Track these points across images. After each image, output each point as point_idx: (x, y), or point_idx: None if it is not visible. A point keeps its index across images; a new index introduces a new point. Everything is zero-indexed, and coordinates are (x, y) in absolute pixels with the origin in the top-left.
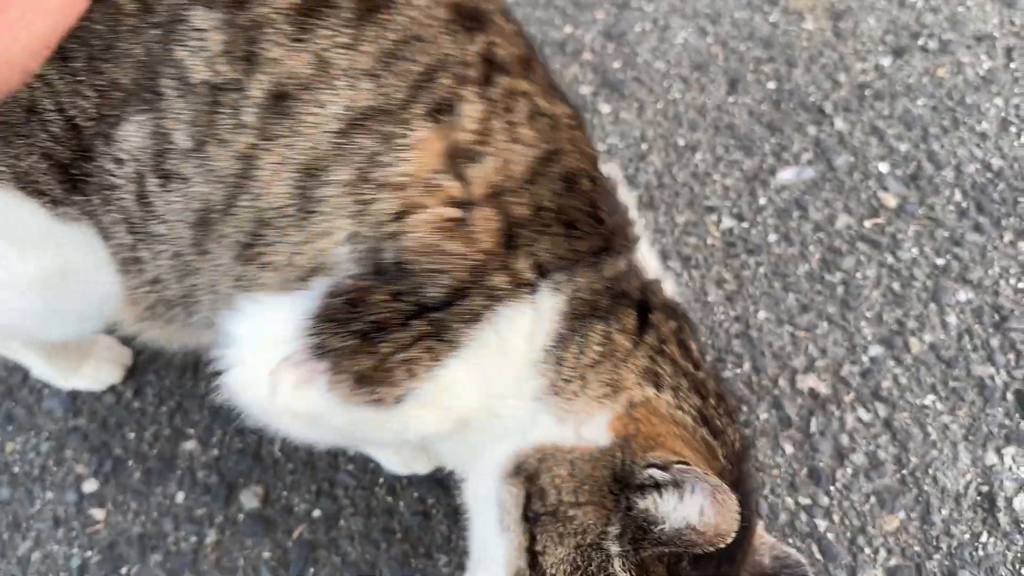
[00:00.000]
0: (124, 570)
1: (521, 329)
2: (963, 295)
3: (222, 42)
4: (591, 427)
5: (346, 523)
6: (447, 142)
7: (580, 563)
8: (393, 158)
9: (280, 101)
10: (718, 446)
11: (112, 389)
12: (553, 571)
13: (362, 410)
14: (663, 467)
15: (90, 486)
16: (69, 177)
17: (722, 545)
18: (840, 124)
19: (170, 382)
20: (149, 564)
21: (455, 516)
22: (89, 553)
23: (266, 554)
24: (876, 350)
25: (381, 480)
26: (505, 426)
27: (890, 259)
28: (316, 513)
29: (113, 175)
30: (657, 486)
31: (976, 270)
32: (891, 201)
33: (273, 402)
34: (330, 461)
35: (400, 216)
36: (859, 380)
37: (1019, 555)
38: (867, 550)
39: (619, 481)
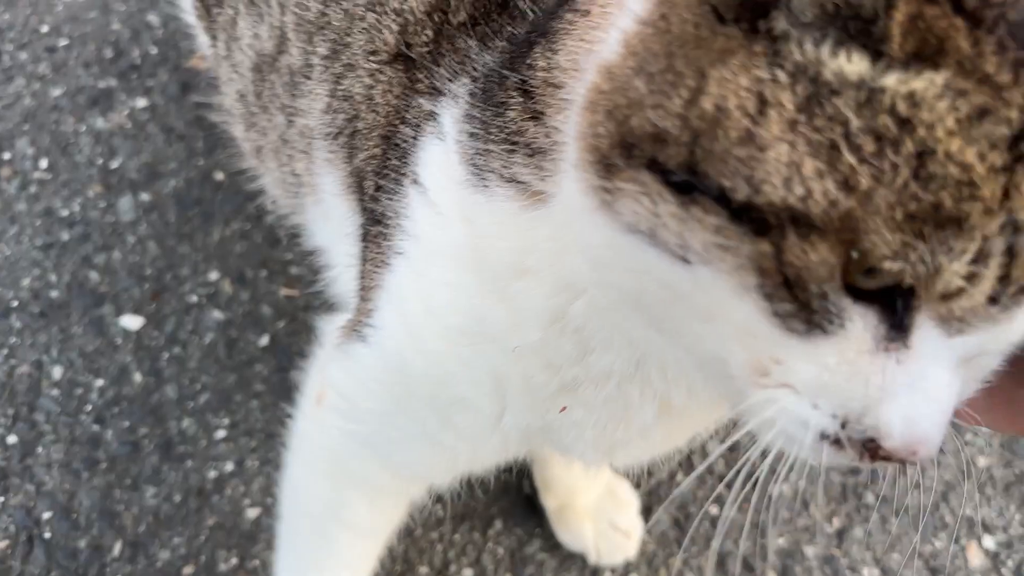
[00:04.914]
0: None
1: None
2: None
3: None
4: None
5: (45, 451)
6: None
7: None
8: None
9: None
10: None
11: None
12: None
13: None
14: None
15: None
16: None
17: None
18: None
19: None
20: None
21: (167, 448)
22: None
23: None
24: None
25: (88, 407)
26: None
27: None
28: (11, 439)
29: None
30: None
31: None
32: None
33: None
34: (31, 385)
35: None
36: None
37: None
38: None
39: None
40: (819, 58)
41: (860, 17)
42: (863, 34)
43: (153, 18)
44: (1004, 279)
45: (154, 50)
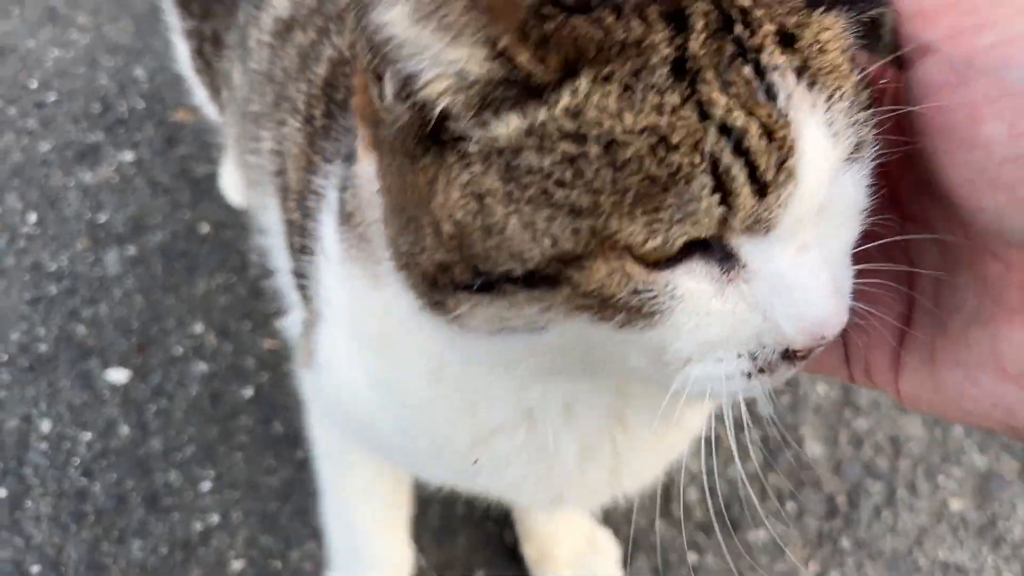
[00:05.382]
0: None
1: None
2: None
3: None
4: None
5: (34, 504)
6: None
7: None
8: None
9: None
10: None
11: None
12: None
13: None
14: None
15: None
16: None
17: None
18: None
19: None
20: None
21: (153, 501)
22: None
23: None
24: None
25: (76, 460)
26: None
27: None
28: (0, 493)
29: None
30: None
31: None
32: None
33: None
34: (20, 439)
35: None
36: None
37: None
38: None
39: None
40: (490, 135)
41: (494, 83)
42: (515, 94)
43: (140, 72)
44: (754, 173)
45: (140, 104)
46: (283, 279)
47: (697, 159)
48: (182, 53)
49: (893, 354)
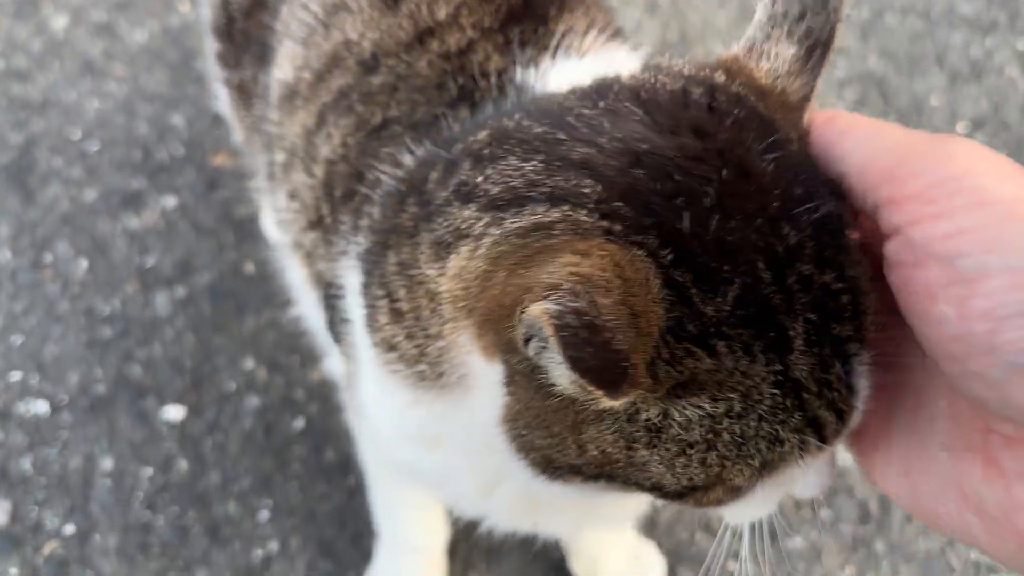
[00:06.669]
0: None
1: None
2: None
3: None
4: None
5: (102, 539)
6: None
7: None
8: None
9: None
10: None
11: None
12: None
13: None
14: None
15: None
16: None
17: None
18: None
19: None
20: None
21: (214, 531)
22: None
23: (13, 571)
24: None
25: (140, 495)
26: None
27: None
28: (69, 529)
29: None
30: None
31: None
32: None
33: None
34: (84, 477)
35: None
36: None
37: None
38: None
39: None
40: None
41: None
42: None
43: (177, 120)
44: (822, 435)
45: (180, 151)
46: (314, 323)
47: (795, 439)
48: (222, 97)
49: (878, 459)
